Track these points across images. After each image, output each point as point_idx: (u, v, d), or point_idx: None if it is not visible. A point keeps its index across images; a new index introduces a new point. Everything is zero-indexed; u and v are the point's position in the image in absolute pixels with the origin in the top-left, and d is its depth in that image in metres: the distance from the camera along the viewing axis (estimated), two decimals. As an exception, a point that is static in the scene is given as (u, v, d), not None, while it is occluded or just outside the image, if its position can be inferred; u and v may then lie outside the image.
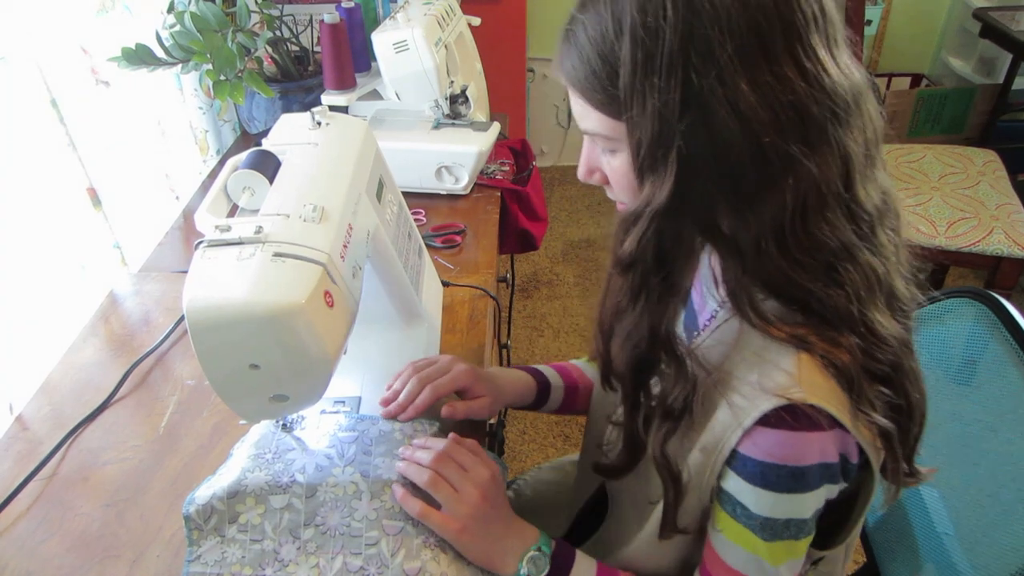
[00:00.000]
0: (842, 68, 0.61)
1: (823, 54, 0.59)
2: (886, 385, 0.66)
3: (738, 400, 0.65)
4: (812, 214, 0.61)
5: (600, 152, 0.70)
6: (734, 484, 0.67)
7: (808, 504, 0.66)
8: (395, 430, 0.86)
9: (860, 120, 0.62)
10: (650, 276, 0.66)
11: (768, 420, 0.62)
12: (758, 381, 0.64)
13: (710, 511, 0.71)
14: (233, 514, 0.77)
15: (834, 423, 0.62)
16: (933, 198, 2.03)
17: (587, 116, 0.66)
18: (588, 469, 0.96)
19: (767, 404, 0.62)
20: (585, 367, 1.04)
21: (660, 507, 0.73)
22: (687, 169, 0.60)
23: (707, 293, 0.78)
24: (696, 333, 0.78)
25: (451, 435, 0.85)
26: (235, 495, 0.78)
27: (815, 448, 0.63)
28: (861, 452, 0.65)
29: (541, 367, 1.01)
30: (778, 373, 0.63)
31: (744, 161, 0.59)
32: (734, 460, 0.66)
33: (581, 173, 0.73)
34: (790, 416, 0.61)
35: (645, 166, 0.62)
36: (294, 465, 0.80)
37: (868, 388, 0.64)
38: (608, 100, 0.62)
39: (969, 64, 3.00)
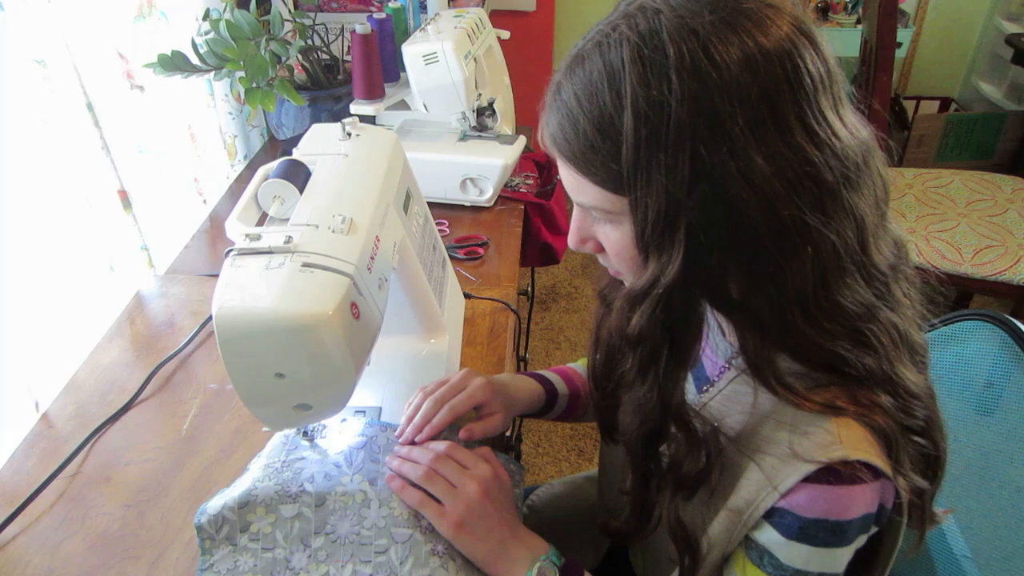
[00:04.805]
0: (849, 128, 0.59)
1: (832, 117, 0.58)
2: (921, 437, 0.65)
3: (771, 461, 0.63)
4: (834, 281, 0.60)
5: (594, 220, 0.67)
6: (767, 536, 0.65)
7: (842, 559, 0.64)
8: None
9: (870, 179, 0.61)
10: (660, 350, 0.64)
11: (809, 477, 0.61)
12: (791, 441, 0.62)
13: (731, 555, 0.69)
14: (244, 523, 0.78)
15: (877, 474, 0.61)
16: (960, 224, 2.01)
17: (583, 190, 0.63)
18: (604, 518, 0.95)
19: (807, 467, 0.60)
20: (584, 371, 1.01)
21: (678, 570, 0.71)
22: (697, 244, 0.58)
23: (714, 345, 0.76)
24: (706, 388, 0.76)
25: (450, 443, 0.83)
26: (246, 505, 0.78)
27: (860, 502, 0.61)
28: (895, 496, 0.64)
29: (547, 374, 0.99)
30: (816, 432, 0.61)
31: (760, 235, 0.57)
32: (772, 515, 0.64)
33: (572, 242, 0.70)
34: (832, 474, 0.60)
35: (651, 243, 0.59)
36: (303, 474, 0.81)
37: (906, 444, 0.62)
38: (609, 177, 0.59)
39: (1000, 90, 2.97)
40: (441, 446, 0.81)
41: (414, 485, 0.78)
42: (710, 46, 0.54)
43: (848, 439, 0.60)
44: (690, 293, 0.61)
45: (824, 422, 0.61)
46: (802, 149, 0.56)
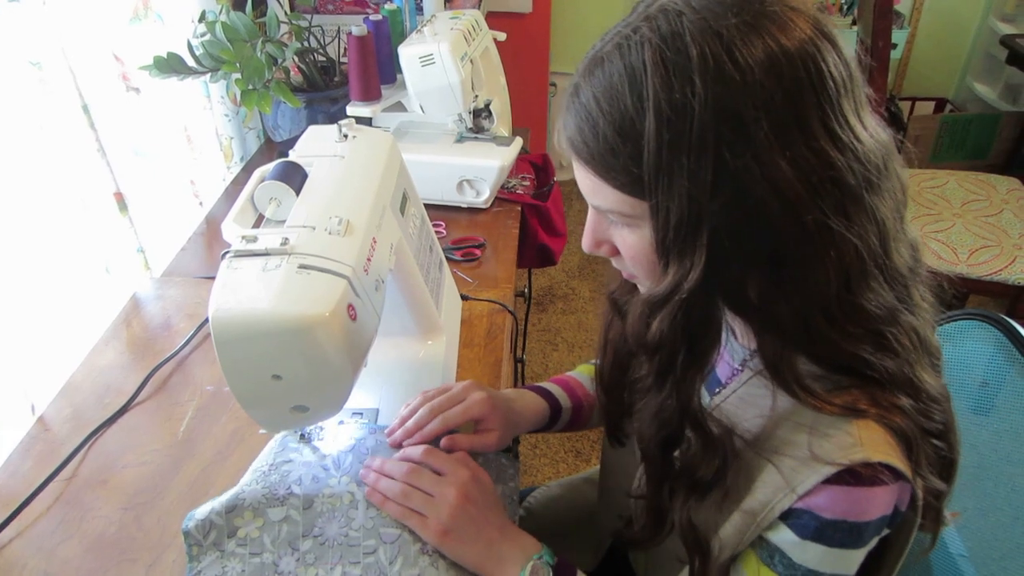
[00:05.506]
0: (870, 131, 0.59)
1: (853, 120, 0.57)
2: (938, 439, 0.65)
3: (789, 463, 0.63)
4: (856, 284, 0.59)
5: (610, 224, 0.66)
6: (781, 536, 0.64)
7: (856, 560, 0.64)
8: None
9: (890, 182, 0.60)
10: (678, 356, 0.63)
11: (829, 479, 0.60)
12: (811, 443, 0.62)
13: (740, 554, 0.68)
14: (232, 528, 0.78)
15: (897, 476, 0.60)
16: (955, 225, 2.01)
17: (601, 193, 0.62)
18: (609, 521, 0.95)
19: (828, 469, 0.60)
20: (586, 380, 1.01)
21: (687, 570, 0.71)
22: (719, 249, 0.57)
23: (726, 347, 0.75)
24: (718, 390, 0.75)
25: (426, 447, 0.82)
26: (233, 509, 0.78)
27: (879, 503, 0.61)
28: (911, 498, 0.64)
29: (549, 387, 0.98)
30: (836, 434, 0.61)
31: (783, 239, 0.57)
32: (788, 515, 0.63)
33: (587, 245, 0.69)
34: (852, 475, 0.60)
35: (672, 248, 0.59)
36: (290, 477, 0.81)
37: (925, 446, 0.62)
38: (629, 180, 0.58)
39: (995, 90, 2.98)
40: (416, 451, 0.80)
41: None
42: (734, 49, 0.53)
43: (869, 441, 0.60)
44: (710, 298, 0.61)
45: (844, 424, 0.61)
46: (825, 153, 0.55)
